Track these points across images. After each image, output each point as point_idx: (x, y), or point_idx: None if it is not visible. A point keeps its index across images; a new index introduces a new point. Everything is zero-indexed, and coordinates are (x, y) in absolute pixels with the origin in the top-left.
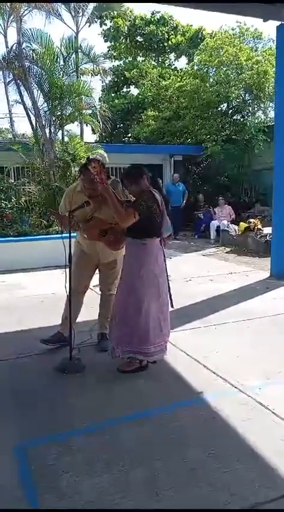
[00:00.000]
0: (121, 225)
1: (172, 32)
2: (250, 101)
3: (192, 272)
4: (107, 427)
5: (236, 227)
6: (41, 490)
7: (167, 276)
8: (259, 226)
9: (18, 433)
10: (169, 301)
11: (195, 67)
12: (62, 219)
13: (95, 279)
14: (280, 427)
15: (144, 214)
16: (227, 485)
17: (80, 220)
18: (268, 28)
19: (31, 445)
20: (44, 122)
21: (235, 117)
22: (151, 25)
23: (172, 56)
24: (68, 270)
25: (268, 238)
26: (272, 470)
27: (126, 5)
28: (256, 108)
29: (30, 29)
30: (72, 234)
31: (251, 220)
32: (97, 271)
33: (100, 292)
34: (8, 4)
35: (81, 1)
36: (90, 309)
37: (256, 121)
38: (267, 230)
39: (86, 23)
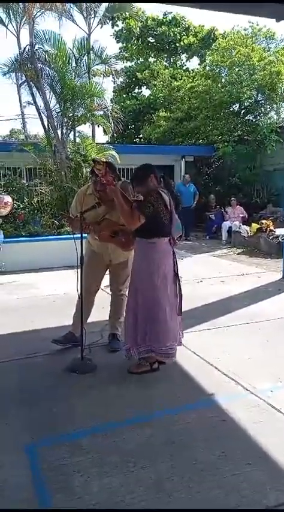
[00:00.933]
0: (128, 227)
1: (184, 33)
2: (263, 101)
3: (203, 273)
4: (117, 427)
5: (248, 228)
6: (52, 489)
7: (178, 277)
8: (271, 228)
9: (29, 432)
10: (178, 306)
11: (207, 68)
12: (73, 222)
13: (106, 280)
14: None
15: (150, 215)
16: (237, 487)
17: (91, 222)
18: (280, 28)
19: (42, 444)
20: (56, 123)
21: (247, 117)
22: (163, 26)
23: (183, 56)
24: (79, 270)
25: (280, 239)
26: (283, 474)
27: (138, 6)
28: (268, 109)
29: (42, 31)
30: (83, 235)
31: (263, 221)
32: (108, 271)
33: (111, 293)
34: (21, 5)
35: (80, 1)
36: (101, 310)
37: (269, 121)
38: (279, 231)
39: (98, 24)
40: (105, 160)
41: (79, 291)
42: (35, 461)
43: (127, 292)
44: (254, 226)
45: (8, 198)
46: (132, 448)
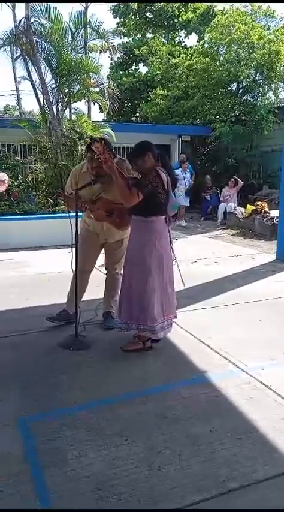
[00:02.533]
0: (126, 205)
1: (182, 9)
2: (261, 81)
3: (198, 254)
4: (110, 403)
5: (243, 210)
6: (46, 462)
7: (173, 255)
8: (266, 209)
9: (23, 407)
10: (181, 280)
11: (205, 45)
12: (69, 200)
13: (101, 259)
14: (282, 407)
15: (148, 193)
16: (228, 461)
17: (87, 200)
18: (280, 6)
19: (35, 419)
20: (51, 99)
21: (245, 97)
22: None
23: (182, 33)
24: (74, 249)
25: (274, 221)
26: (272, 449)
27: None
28: (266, 89)
29: (38, 3)
30: (78, 213)
31: (258, 203)
32: (103, 251)
33: (106, 272)
34: None
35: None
36: (95, 288)
37: (267, 102)
38: (274, 213)
39: None
40: (101, 137)
41: (74, 269)
42: (28, 435)
43: (122, 271)
44: (250, 207)
45: (4, 176)
46: (124, 423)
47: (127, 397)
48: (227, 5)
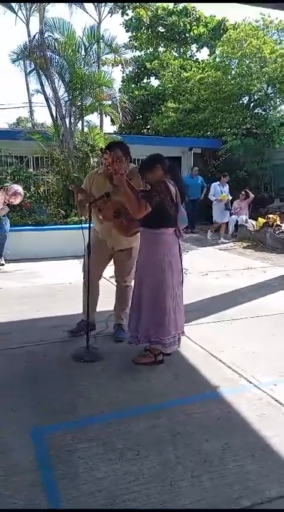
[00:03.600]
0: (135, 216)
1: (194, 23)
2: (273, 94)
3: (209, 266)
4: (122, 416)
5: (254, 222)
6: (59, 475)
7: (182, 268)
8: (278, 222)
9: (36, 418)
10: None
11: (217, 59)
12: (81, 195)
13: (111, 270)
14: None
15: (156, 205)
16: (240, 479)
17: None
18: None
19: (48, 430)
20: (64, 112)
21: (256, 110)
22: (173, 16)
23: (193, 47)
24: (86, 257)
25: None
26: None
27: None
28: (278, 102)
29: (52, 18)
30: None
31: (270, 216)
32: (112, 262)
33: (116, 284)
34: None
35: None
36: (106, 299)
37: (278, 115)
38: None
39: (108, 13)
40: (118, 141)
41: (84, 279)
42: (41, 447)
43: (132, 283)
44: (261, 220)
45: (19, 188)
46: (136, 437)
47: (139, 410)
48: (239, 19)
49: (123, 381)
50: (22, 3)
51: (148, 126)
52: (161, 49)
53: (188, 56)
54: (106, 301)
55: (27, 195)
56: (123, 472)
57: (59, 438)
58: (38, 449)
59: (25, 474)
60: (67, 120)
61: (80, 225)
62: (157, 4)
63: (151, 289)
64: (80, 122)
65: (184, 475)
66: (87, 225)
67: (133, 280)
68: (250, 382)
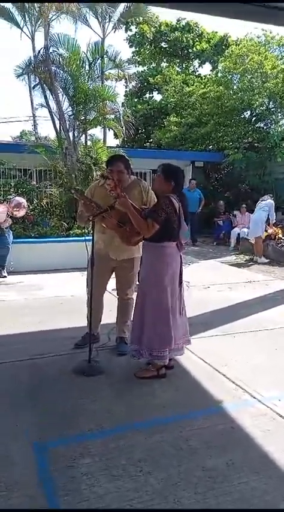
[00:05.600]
0: (143, 235)
1: (197, 39)
2: (274, 109)
3: (211, 279)
4: (125, 431)
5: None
6: (60, 491)
7: (182, 281)
8: (280, 235)
9: (37, 432)
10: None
11: (219, 74)
12: (84, 203)
13: (113, 283)
14: None
15: (162, 222)
16: (245, 496)
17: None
18: None
19: (50, 445)
20: (67, 126)
21: (258, 125)
22: (176, 31)
23: (196, 62)
24: (89, 272)
25: None
26: None
27: (153, 11)
28: (279, 117)
29: (57, 34)
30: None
31: (272, 228)
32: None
33: (118, 297)
34: (37, 8)
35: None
36: (108, 312)
37: (280, 129)
38: None
39: (112, 28)
40: (121, 154)
41: (88, 293)
42: (44, 462)
43: (134, 295)
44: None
45: (22, 201)
46: (139, 453)
47: (142, 425)
48: (241, 36)
49: (125, 395)
50: (27, 19)
51: (151, 140)
52: (164, 64)
53: (190, 71)
54: (108, 314)
55: (30, 207)
56: (126, 489)
57: (61, 453)
58: (39, 464)
59: (26, 489)
60: (70, 134)
61: (83, 238)
62: (161, 20)
63: (154, 302)
64: (83, 135)
65: (188, 492)
66: (91, 238)
67: (135, 293)
68: (254, 397)
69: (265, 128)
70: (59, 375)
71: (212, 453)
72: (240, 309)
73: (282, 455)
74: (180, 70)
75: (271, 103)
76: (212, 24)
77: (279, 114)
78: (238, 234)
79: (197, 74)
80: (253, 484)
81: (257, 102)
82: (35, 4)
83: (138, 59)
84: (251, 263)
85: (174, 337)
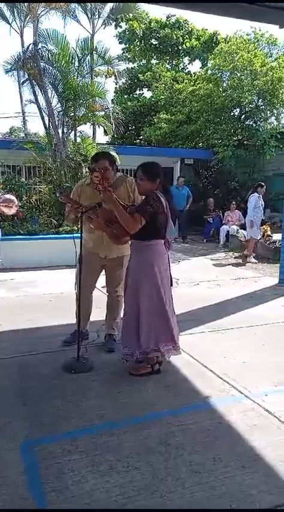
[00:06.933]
0: (129, 231)
1: (186, 36)
2: (263, 106)
3: (200, 276)
4: (113, 428)
5: (245, 232)
6: (47, 488)
7: (171, 278)
8: (269, 232)
9: (25, 430)
10: (170, 282)
11: (209, 71)
12: (69, 206)
13: (102, 280)
14: None
15: (150, 218)
16: (231, 490)
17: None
18: (283, 34)
19: (37, 443)
20: (57, 122)
21: (247, 122)
22: (166, 28)
23: (186, 59)
24: (77, 270)
25: (277, 244)
26: (276, 478)
27: (142, 8)
28: (268, 114)
29: (46, 30)
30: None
31: (261, 226)
32: (103, 272)
33: (107, 294)
34: (26, 4)
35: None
36: (97, 310)
37: (269, 127)
38: (276, 236)
39: (102, 25)
40: (105, 151)
41: (77, 291)
42: (30, 459)
43: (123, 293)
44: None
45: (13, 198)
46: (126, 449)
47: (129, 422)
48: (230, 33)
49: (113, 392)
50: (16, 15)
51: (141, 137)
52: (154, 61)
53: (180, 68)
54: (97, 311)
55: (20, 204)
56: (113, 485)
57: (49, 450)
58: (27, 461)
59: (14, 487)
60: (60, 130)
61: (72, 235)
62: (151, 17)
63: (151, 300)
64: (73, 132)
65: (175, 487)
66: (79, 235)
67: (127, 295)
68: (241, 393)
69: (254, 125)
70: (48, 372)
71: (199, 448)
72: (229, 306)
73: (268, 450)
74: (169, 67)
75: (260, 101)
76: (202, 21)
77: (268, 112)
78: (228, 231)
79: (187, 71)
80: (239, 478)
81: (246, 100)
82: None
83: (128, 56)
84: (240, 260)
85: (162, 335)
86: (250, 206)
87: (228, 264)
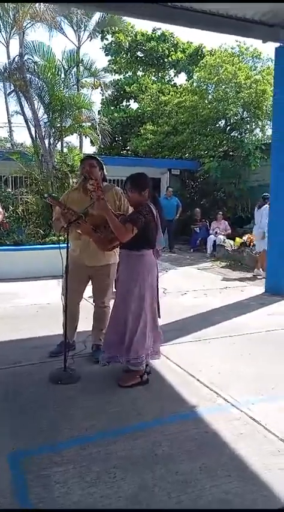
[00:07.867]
0: (121, 240)
1: (172, 49)
2: (248, 118)
3: (187, 286)
4: (99, 438)
5: (232, 242)
6: (34, 499)
7: (157, 287)
8: (254, 242)
9: (12, 441)
10: (157, 311)
11: (194, 84)
12: (57, 212)
13: (90, 290)
14: (271, 443)
15: (142, 228)
16: (217, 499)
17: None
18: (266, 48)
19: (24, 454)
20: (43, 133)
21: (232, 134)
22: (152, 41)
23: (171, 72)
24: (64, 279)
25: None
26: (262, 486)
27: (128, 20)
28: (253, 126)
29: (32, 42)
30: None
31: (247, 235)
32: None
33: (94, 304)
34: (11, 16)
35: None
36: (84, 320)
37: (254, 138)
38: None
39: (88, 37)
40: (93, 155)
41: (63, 301)
42: (17, 470)
43: (110, 303)
44: (238, 240)
45: None
46: (114, 459)
47: (116, 432)
48: (215, 46)
49: (101, 402)
50: (2, 27)
51: (128, 148)
52: (140, 73)
53: (166, 80)
54: (84, 322)
55: (6, 214)
56: (100, 495)
57: (36, 462)
58: (14, 473)
59: (1, 497)
60: (46, 141)
61: (58, 245)
62: (137, 29)
63: (136, 309)
64: (60, 142)
65: (162, 497)
66: (65, 245)
67: (112, 301)
68: (228, 402)
69: (239, 137)
70: (35, 383)
71: (186, 458)
72: (215, 315)
73: (254, 459)
74: (155, 79)
75: (245, 113)
76: (187, 35)
77: (253, 124)
78: (214, 241)
79: (173, 83)
80: (225, 487)
81: (231, 112)
82: (9, 12)
83: (114, 68)
84: (227, 269)
85: (151, 343)
86: (262, 217)
87: (215, 274)
